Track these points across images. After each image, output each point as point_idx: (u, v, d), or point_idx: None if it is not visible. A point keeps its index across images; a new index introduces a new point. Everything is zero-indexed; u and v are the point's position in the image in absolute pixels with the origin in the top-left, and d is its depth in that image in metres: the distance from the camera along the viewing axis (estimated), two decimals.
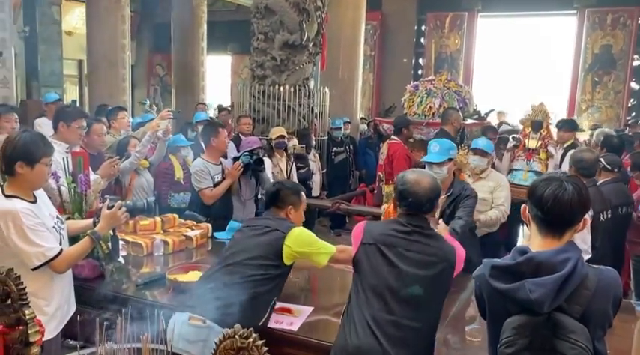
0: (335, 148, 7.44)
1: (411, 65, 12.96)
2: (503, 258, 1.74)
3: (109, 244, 2.81)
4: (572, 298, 1.53)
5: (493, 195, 3.99)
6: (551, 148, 5.46)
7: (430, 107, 6.40)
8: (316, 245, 2.49)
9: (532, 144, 5.46)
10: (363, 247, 2.17)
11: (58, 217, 2.46)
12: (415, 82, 7.09)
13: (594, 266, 1.65)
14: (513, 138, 5.65)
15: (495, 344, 1.61)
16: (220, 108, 9.99)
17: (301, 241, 2.48)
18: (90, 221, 2.65)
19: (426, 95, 6.48)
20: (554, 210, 1.58)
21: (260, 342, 1.27)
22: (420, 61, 13.01)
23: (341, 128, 7.48)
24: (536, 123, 5.56)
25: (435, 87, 6.60)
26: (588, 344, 1.49)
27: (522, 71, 12.50)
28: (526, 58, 12.49)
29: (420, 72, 12.77)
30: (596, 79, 11.41)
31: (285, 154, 5.46)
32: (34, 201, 2.31)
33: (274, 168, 5.21)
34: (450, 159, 3.47)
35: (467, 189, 3.43)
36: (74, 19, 12.54)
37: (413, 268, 2.08)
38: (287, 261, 2.46)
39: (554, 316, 1.53)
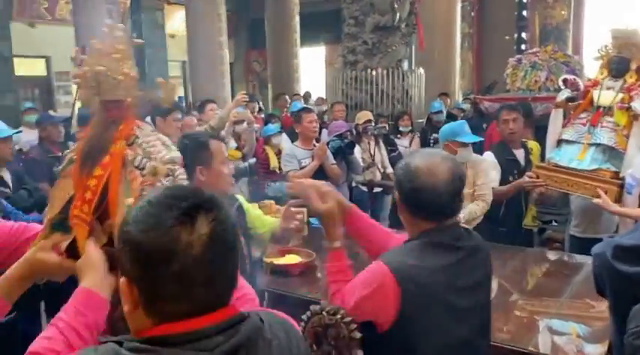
0: (435, 135, 6.97)
1: (514, 40, 12.22)
2: (628, 234, 1.51)
3: None
4: None
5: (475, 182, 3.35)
6: (638, 104, 2.92)
7: (535, 81, 5.95)
8: None
9: (605, 99, 3.04)
10: (405, 302, 1.42)
11: None
12: (518, 56, 6.64)
13: None
14: (565, 82, 3.31)
15: (620, 333, 1.39)
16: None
17: None
18: None
19: (530, 68, 6.04)
20: None
21: (349, 319, 1.19)
22: (523, 35, 12.21)
23: (442, 111, 7.04)
24: (618, 62, 3.09)
25: (540, 59, 6.13)
26: None
27: None
28: None
29: (523, 47, 11.98)
30: None
31: (373, 138, 5.33)
32: None
33: (364, 154, 5.12)
34: None
35: None
36: (176, 22, 13.21)
37: (470, 297, 1.54)
38: None
39: None
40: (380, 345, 1.40)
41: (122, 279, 0.85)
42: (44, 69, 11.49)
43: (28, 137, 4.93)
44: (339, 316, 1.17)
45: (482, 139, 4.94)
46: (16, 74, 10.08)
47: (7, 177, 3.40)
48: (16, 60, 10.07)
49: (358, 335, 1.19)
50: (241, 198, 2.32)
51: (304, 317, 1.26)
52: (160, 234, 0.80)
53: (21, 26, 10.39)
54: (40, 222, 2.82)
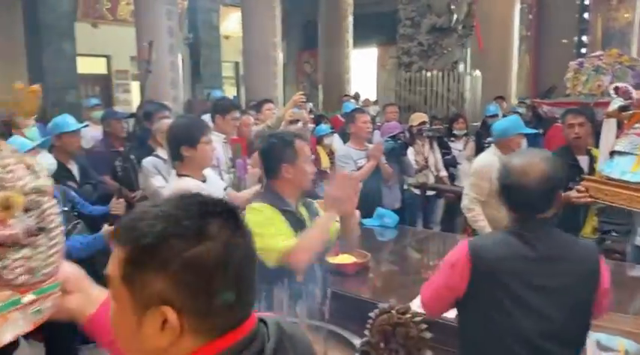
0: (490, 138, 6.81)
1: (573, 44, 11.81)
2: None
3: None
4: None
5: None
6: None
7: (599, 85, 5.71)
8: (263, 236, 1.85)
9: None
10: (476, 277, 1.54)
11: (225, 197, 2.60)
12: (580, 59, 6.41)
13: None
14: (616, 91, 3.17)
15: None
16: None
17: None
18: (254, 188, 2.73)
19: (593, 72, 5.81)
20: None
21: (419, 318, 1.17)
22: (584, 38, 11.80)
23: (497, 115, 6.85)
24: None
25: (604, 63, 5.88)
26: None
27: None
28: None
29: (583, 51, 11.58)
30: None
31: (427, 141, 5.27)
32: (204, 181, 2.48)
33: (417, 156, 5.05)
34: None
35: None
36: (231, 23, 13.45)
37: (545, 299, 1.54)
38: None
39: None
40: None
41: (164, 309, 0.74)
42: (105, 67, 11.95)
43: (93, 132, 5.13)
44: (408, 315, 1.15)
45: (537, 131, 4.83)
46: (78, 72, 10.51)
47: (75, 170, 3.55)
48: (79, 58, 10.49)
49: (428, 335, 1.17)
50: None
51: (372, 314, 1.25)
52: (212, 243, 0.75)
53: (84, 26, 10.82)
54: (105, 213, 2.94)
